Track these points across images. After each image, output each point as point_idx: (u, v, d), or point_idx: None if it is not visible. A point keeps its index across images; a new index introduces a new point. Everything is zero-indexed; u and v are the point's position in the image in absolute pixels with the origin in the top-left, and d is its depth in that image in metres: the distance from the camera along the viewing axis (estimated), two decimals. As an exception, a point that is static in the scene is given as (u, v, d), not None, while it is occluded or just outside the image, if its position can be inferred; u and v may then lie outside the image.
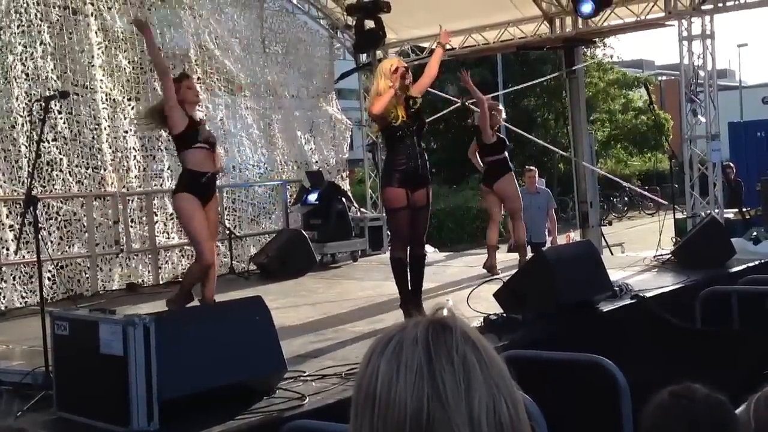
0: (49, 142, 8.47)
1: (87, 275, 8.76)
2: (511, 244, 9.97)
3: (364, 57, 12.23)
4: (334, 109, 12.17)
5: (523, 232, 8.77)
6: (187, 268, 8.40)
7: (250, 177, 10.84)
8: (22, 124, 8.31)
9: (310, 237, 9.74)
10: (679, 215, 10.20)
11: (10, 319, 7.47)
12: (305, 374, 4.47)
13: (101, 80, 9.03)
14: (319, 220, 10.24)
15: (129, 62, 9.35)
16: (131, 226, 9.24)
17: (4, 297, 8.01)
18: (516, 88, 19.43)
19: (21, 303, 8.09)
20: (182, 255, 9.70)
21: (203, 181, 6.34)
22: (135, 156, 9.41)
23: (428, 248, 7.78)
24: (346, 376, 4.36)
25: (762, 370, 4.91)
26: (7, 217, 8.15)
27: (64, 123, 8.69)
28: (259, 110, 11.02)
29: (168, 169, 9.64)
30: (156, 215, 9.52)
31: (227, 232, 9.65)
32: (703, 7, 9.78)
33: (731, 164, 15.33)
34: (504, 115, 9.24)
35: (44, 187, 8.49)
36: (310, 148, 11.66)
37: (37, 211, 5.09)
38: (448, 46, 7.48)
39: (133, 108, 9.28)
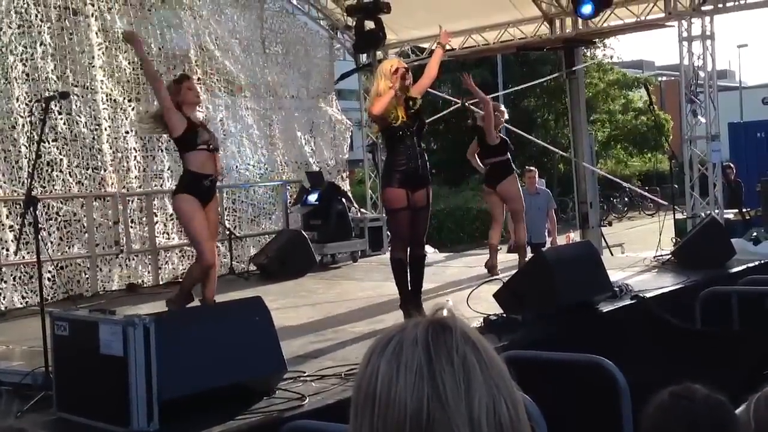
0: (49, 143, 8.47)
1: (87, 276, 8.76)
2: (511, 245, 9.98)
3: (364, 58, 12.23)
4: (334, 109, 12.18)
5: (524, 233, 8.78)
6: (187, 268, 8.40)
7: (250, 177, 10.83)
8: (23, 125, 8.32)
9: (310, 237, 9.74)
10: (679, 216, 10.20)
11: (10, 320, 7.47)
12: (305, 374, 4.47)
13: (101, 81, 9.03)
14: (319, 220, 10.23)
15: (129, 63, 9.35)
16: (131, 227, 9.24)
17: (4, 297, 8.01)
18: (516, 88, 19.44)
19: (21, 303, 8.09)
20: (182, 256, 9.70)
21: (205, 184, 6.33)
22: (135, 156, 9.41)
23: (428, 249, 7.78)
24: (346, 376, 4.36)
25: (762, 371, 4.92)
26: (7, 217, 8.15)
27: (64, 123, 8.70)
28: (260, 111, 11.02)
29: (168, 169, 9.64)
30: (156, 216, 9.51)
31: (227, 232, 9.65)
32: (703, 8, 9.78)
33: (731, 165, 15.33)
34: (506, 116, 9.24)
35: (44, 187, 8.49)
36: (310, 149, 11.66)
37: (37, 212, 5.08)
38: (447, 47, 7.49)
39: (133, 109, 9.28)
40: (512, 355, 4.35)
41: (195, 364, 3.84)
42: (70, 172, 8.74)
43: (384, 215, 10.34)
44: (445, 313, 1.14)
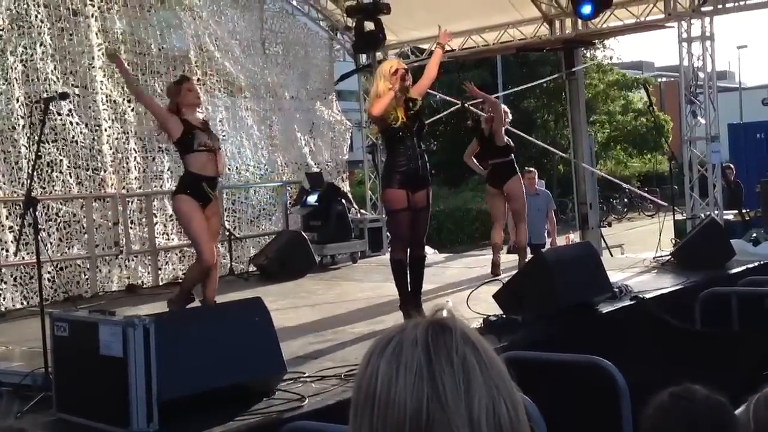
0: (49, 144, 8.47)
1: (86, 276, 8.76)
2: (511, 246, 9.99)
3: (363, 58, 12.24)
4: (334, 110, 12.17)
5: (525, 234, 8.81)
6: (187, 269, 8.40)
7: (250, 178, 10.83)
8: (22, 126, 8.32)
9: (310, 238, 9.74)
10: (678, 216, 10.20)
11: (10, 320, 7.47)
12: (305, 375, 4.48)
13: (101, 82, 9.03)
14: (318, 221, 10.23)
15: (129, 64, 9.34)
16: (131, 228, 9.24)
17: (3, 298, 8.01)
18: (516, 89, 19.45)
19: (21, 304, 8.09)
20: (182, 256, 9.69)
21: (204, 186, 6.33)
22: (135, 157, 9.41)
23: (428, 249, 7.78)
24: (346, 377, 4.36)
25: (761, 371, 4.92)
26: (7, 218, 8.16)
27: (63, 124, 8.69)
28: (259, 112, 11.02)
29: (168, 170, 9.65)
30: (156, 216, 9.51)
31: (227, 233, 9.64)
32: (702, 9, 9.78)
33: (731, 165, 15.34)
34: (510, 117, 9.27)
35: (44, 188, 8.49)
36: (310, 150, 11.66)
37: (37, 213, 5.09)
38: (447, 47, 7.49)
39: (133, 110, 9.28)
40: (512, 355, 4.35)
41: (195, 364, 3.85)
42: (69, 173, 8.74)
43: (384, 216, 10.35)
44: (444, 313, 1.14)
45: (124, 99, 9.26)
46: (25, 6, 8.47)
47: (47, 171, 8.55)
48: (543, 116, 29.09)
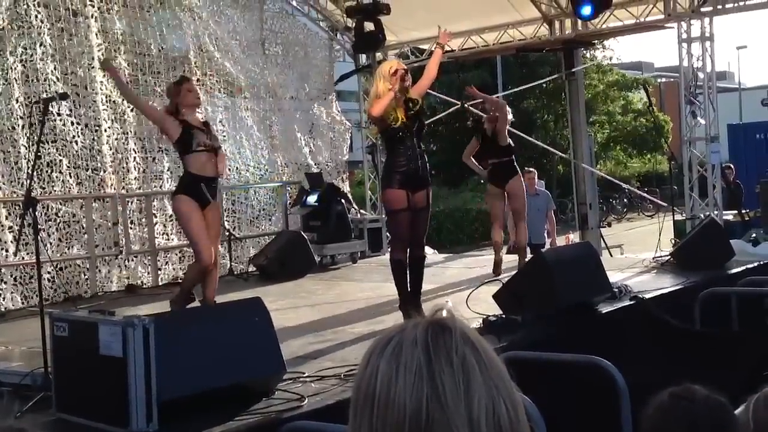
0: (48, 144, 8.47)
1: (86, 276, 8.76)
2: (511, 246, 9.99)
3: (363, 59, 12.24)
4: (334, 110, 12.18)
5: (525, 234, 8.82)
6: (186, 269, 8.40)
7: (250, 179, 10.84)
8: (22, 126, 8.32)
9: (310, 239, 9.75)
10: (678, 217, 10.21)
11: (10, 320, 7.47)
12: (304, 375, 4.48)
13: (101, 82, 9.03)
14: (318, 221, 10.23)
15: (129, 64, 9.36)
16: (130, 228, 9.24)
17: (3, 298, 8.01)
18: (515, 90, 19.44)
19: (20, 304, 8.09)
20: (182, 256, 9.69)
21: (202, 187, 6.33)
22: (135, 158, 9.41)
23: (427, 250, 7.79)
24: (345, 377, 4.36)
25: (761, 371, 4.91)
26: (7, 218, 8.16)
27: (63, 124, 8.69)
28: (259, 112, 11.02)
29: (168, 170, 9.65)
30: (155, 217, 9.51)
31: (227, 233, 9.64)
32: (702, 9, 9.79)
33: (731, 166, 15.34)
34: (511, 117, 9.29)
35: (44, 188, 8.49)
36: (310, 150, 11.66)
37: (37, 213, 5.09)
38: (447, 48, 7.49)
39: (132, 110, 9.27)
40: (512, 355, 4.35)
41: (194, 364, 3.84)
42: (69, 173, 8.74)
43: (383, 216, 10.35)
44: (444, 313, 1.14)
45: (123, 99, 9.26)
46: (25, 6, 8.47)
47: (47, 171, 8.55)
48: (543, 117, 29.09)
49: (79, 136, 8.83)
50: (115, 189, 9.12)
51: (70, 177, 8.76)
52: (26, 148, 8.27)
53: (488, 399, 1.06)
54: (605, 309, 6.09)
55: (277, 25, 11.49)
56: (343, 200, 10.64)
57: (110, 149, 9.13)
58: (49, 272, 7.97)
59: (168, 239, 9.63)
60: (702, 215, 9.55)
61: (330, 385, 4.30)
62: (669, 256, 8.28)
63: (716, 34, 9.88)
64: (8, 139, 8.26)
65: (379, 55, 11.80)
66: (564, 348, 4.84)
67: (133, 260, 9.31)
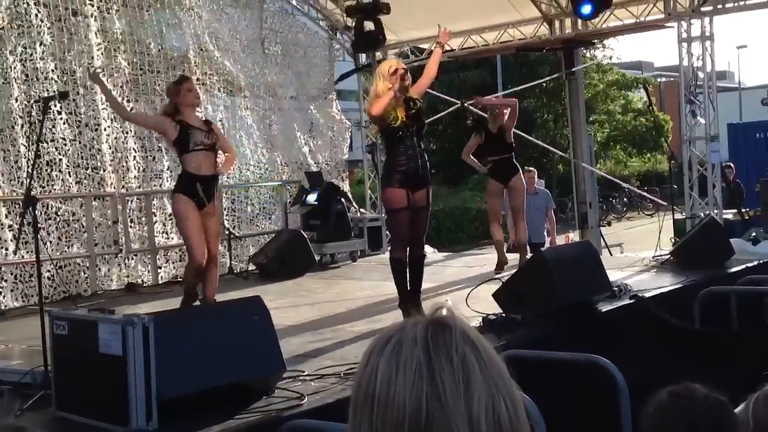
0: (48, 143, 8.47)
1: (86, 275, 8.76)
2: (511, 244, 10.01)
3: (363, 58, 12.23)
4: (334, 110, 12.17)
5: (525, 231, 8.84)
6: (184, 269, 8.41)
7: (250, 177, 10.84)
8: (22, 125, 8.31)
9: (309, 237, 9.74)
10: (678, 216, 10.21)
11: (9, 319, 7.47)
12: (304, 374, 4.48)
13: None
14: (318, 220, 10.24)
15: (128, 63, 9.36)
16: (130, 227, 9.24)
17: (3, 296, 8.01)
18: (515, 89, 19.42)
19: (20, 303, 8.09)
20: (182, 255, 9.68)
21: (198, 186, 6.34)
22: (134, 156, 9.41)
23: (427, 248, 7.79)
24: (345, 375, 4.36)
25: (761, 370, 4.91)
26: (7, 217, 8.16)
27: (63, 123, 8.69)
28: (259, 111, 11.02)
29: (167, 169, 9.64)
30: (155, 215, 9.51)
31: (227, 232, 9.64)
32: (702, 9, 9.78)
33: (731, 165, 15.34)
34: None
35: (43, 187, 8.49)
36: (310, 149, 11.66)
37: (36, 212, 5.09)
38: (447, 47, 7.50)
39: (132, 109, 9.28)
40: (511, 354, 4.35)
41: (194, 363, 3.84)
42: (69, 172, 8.74)
43: (383, 215, 10.36)
44: (444, 312, 1.14)
45: (123, 99, 9.25)
46: (25, 5, 8.46)
47: (46, 170, 8.55)
48: (543, 116, 29.07)
49: (79, 135, 8.82)
50: (114, 188, 9.12)
51: (70, 176, 8.76)
52: (26, 147, 8.27)
53: (488, 397, 1.06)
54: (605, 308, 6.09)
55: (277, 24, 11.48)
56: (342, 199, 10.64)
57: (110, 148, 9.12)
58: (48, 271, 7.96)
59: (168, 238, 9.63)
60: (702, 214, 9.55)
61: (330, 383, 4.30)
62: (669, 255, 8.28)
63: (716, 33, 9.88)
64: (8, 138, 8.26)
65: (378, 54, 11.80)
66: (564, 347, 4.84)
67: (132, 259, 9.31)
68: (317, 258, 9.84)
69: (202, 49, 10.21)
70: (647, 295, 6.44)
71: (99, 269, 8.93)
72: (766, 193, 11.56)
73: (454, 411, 1.04)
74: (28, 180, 5.31)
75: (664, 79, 47.47)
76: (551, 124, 28.93)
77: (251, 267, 9.84)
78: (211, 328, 4.06)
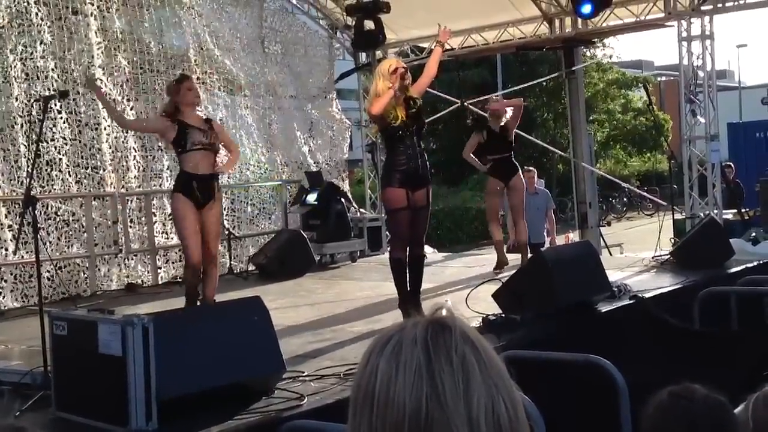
0: (48, 142, 8.47)
1: (86, 275, 8.75)
2: (512, 244, 10.02)
3: (363, 57, 12.23)
4: (334, 109, 12.17)
5: (525, 230, 8.86)
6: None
7: (250, 177, 10.83)
8: (22, 124, 8.31)
9: (309, 237, 9.74)
10: (678, 216, 10.21)
11: (9, 319, 7.47)
12: (304, 374, 4.48)
13: (101, 80, 9.02)
14: (318, 220, 10.23)
15: (128, 62, 9.35)
16: (130, 227, 9.24)
17: (3, 297, 8.01)
18: (515, 88, 19.42)
19: (20, 303, 8.09)
20: (181, 255, 9.67)
21: (194, 186, 6.34)
22: (134, 156, 9.41)
23: (427, 248, 7.79)
24: (345, 376, 4.36)
25: (761, 371, 4.91)
26: (6, 217, 8.15)
27: (63, 123, 8.69)
28: (259, 110, 11.02)
29: (167, 169, 9.64)
30: (155, 215, 9.51)
31: (226, 232, 9.64)
32: (702, 8, 9.78)
33: (731, 164, 15.34)
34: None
35: (43, 187, 8.49)
36: (310, 149, 11.66)
37: (36, 212, 5.08)
38: (447, 46, 7.50)
39: (132, 108, 9.28)
40: (511, 354, 4.35)
41: (194, 363, 3.84)
42: (69, 172, 8.74)
43: (383, 215, 10.35)
44: (444, 312, 1.14)
45: (123, 98, 9.26)
46: (25, 4, 8.46)
47: (46, 170, 8.55)
48: (543, 115, 29.07)
49: (79, 135, 8.82)
50: (114, 187, 9.12)
51: (70, 175, 8.76)
52: (26, 147, 8.27)
53: (488, 398, 1.06)
54: (605, 308, 6.09)
55: (277, 23, 11.48)
56: (342, 199, 10.64)
57: (110, 148, 9.12)
58: (48, 271, 7.96)
59: (168, 238, 9.62)
60: (702, 214, 9.55)
61: (329, 384, 4.30)
62: (668, 255, 8.28)
63: (716, 32, 9.88)
64: (8, 137, 8.26)
65: (378, 53, 11.80)
66: (563, 347, 4.84)
67: (132, 259, 9.31)
68: (317, 258, 9.83)
69: (202, 48, 10.21)
70: (647, 295, 6.44)
71: (99, 269, 8.93)
72: (766, 193, 11.56)
73: (453, 411, 1.04)
74: (27, 180, 5.31)
75: (664, 78, 47.46)
76: (551, 124, 28.93)
77: (251, 267, 9.84)
78: (210, 328, 4.06)
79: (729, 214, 11.79)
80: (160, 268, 9.48)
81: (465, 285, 7.57)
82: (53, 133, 8.60)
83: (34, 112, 8.28)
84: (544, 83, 23.50)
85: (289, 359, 4.54)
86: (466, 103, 12.36)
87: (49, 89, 8.33)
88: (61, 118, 8.66)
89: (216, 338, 3.99)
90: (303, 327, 6.14)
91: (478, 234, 20.43)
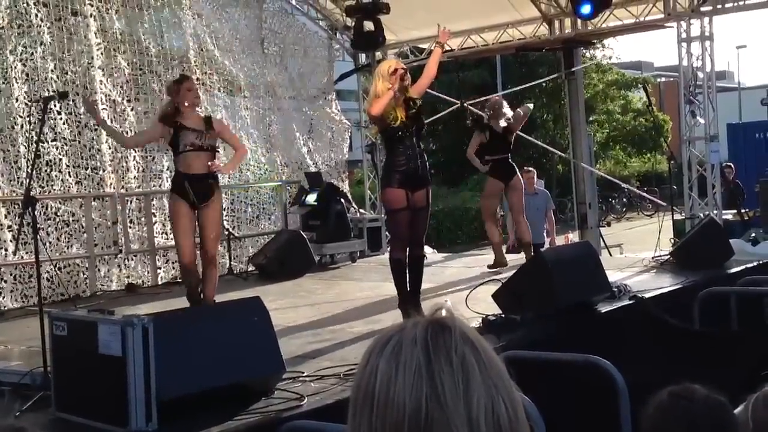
0: (48, 143, 8.47)
1: (85, 276, 8.75)
2: (511, 245, 10.02)
3: (363, 58, 12.23)
4: (334, 110, 12.17)
5: (527, 230, 8.87)
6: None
7: (250, 178, 10.83)
8: (22, 125, 8.31)
9: (309, 238, 9.74)
10: (677, 216, 10.21)
11: (9, 320, 7.47)
12: (304, 375, 4.48)
13: (101, 81, 9.03)
14: (317, 221, 10.23)
15: (128, 63, 9.35)
16: (130, 227, 9.23)
17: (3, 297, 8.00)
18: (515, 89, 19.43)
19: (20, 303, 8.09)
20: (181, 255, 9.68)
21: (186, 184, 6.36)
22: (134, 156, 9.41)
23: (427, 249, 7.80)
24: (345, 376, 4.36)
25: (760, 371, 4.91)
26: (6, 217, 8.15)
27: (63, 123, 8.69)
28: (259, 111, 11.02)
29: (167, 169, 9.63)
30: (155, 216, 9.51)
31: (226, 232, 9.63)
32: (702, 9, 9.78)
33: (730, 165, 15.34)
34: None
35: (43, 187, 8.49)
36: (309, 149, 11.66)
37: (36, 212, 5.08)
38: (446, 47, 7.51)
39: (132, 109, 9.28)
40: (511, 355, 4.35)
41: (194, 364, 3.84)
42: (69, 172, 8.74)
43: (383, 216, 10.35)
44: (444, 313, 1.14)
45: (123, 98, 9.26)
46: (25, 5, 8.46)
47: (46, 170, 8.54)
48: (542, 116, 29.05)
49: (78, 135, 8.82)
50: (114, 188, 9.12)
51: (70, 176, 8.75)
52: (26, 147, 8.26)
53: (487, 398, 1.06)
54: (604, 308, 6.09)
55: (277, 24, 11.48)
56: (342, 199, 10.64)
57: (109, 148, 9.12)
58: (48, 271, 7.96)
59: (167, 238, 9.60)
60: (701, 215, 9.55)
61: (329, 384, 4.30)
62: (668, 256, 8.28)
63: (716, 33, 9.88)
64: (8, 138, 8.26)
65: (378, 54, 11.80)
66: (563, 347, 4.84)
67: (132, 259, 9.31)
68: (317, 258, 9.83)
69: (202, 49, 10.21)
70: (647, 295, 6.44)
71: (98, 270, 8.93)
72: (766, 194, 11.56)
73: (453, 412, 1.04)
74: (27, 180, 5.31)
75: (663, 79, 47.49)
76: (551, 125, 28.92)
77: (251, 268, 9.84)
78: (210, 328, 4.06)
79: (729, 215, 11.79)
80: (160, 268, 9.47)
81: (465, 285, 7.57)
82: (54, 133, 8.60)
83: (34, 113, 8.28)
84: (544, 84, 23.50)
85: (289, 360, 4.54)
86: (465, 104, 12.36)
87: (49, 90, 8.32)
88: (61, 119, 8.66)
89: (216, 339, 3.99)
90: (303, 327, 6.14)
91: (478, 234, 20.42)
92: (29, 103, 8.25)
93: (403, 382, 1.06)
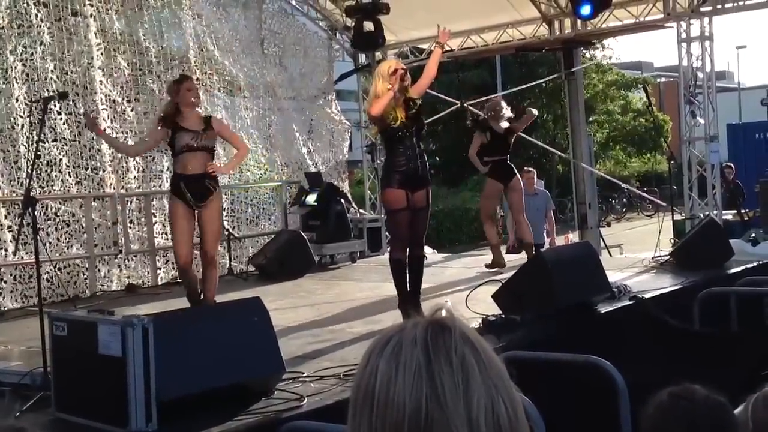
0: (48, 143, 8.47)
1: (85, 276, 8.75)
2: (511, 245, 10.02)
3: (363, 58, 12.23)
4: (334, 110, 12.17)
5: (528, 230, 8.88)
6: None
7: (250, 178, 10.83)
8: (22, 125, 8.31)
9: (309, 238, 9.74)
10: (677, 216, 10.21)
11: (9, 320, 7.46)
12: (303, 375, 4.48)
13: (100, 81, 9.02)
14: (317, 221, 10.23)
15: (128, 64, 9.35)
16: (130, 227, 9.23)
17: (3, 297, 8.00)
18: (515, 89, 19.44)
19: (20, 304, 8.09)
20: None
21: (182, 186, 6.37)
22: (134, 157, 9.40)
23: (427, 249, 7.80)
24: (345, 377, 4.36)
25: (760, 371, 4.92)
26: (6, 217, 8.15)
27: (63, 124, 8.69)
28: (258, 111, 11.02)
29: (167, 170, 9.63)
30: (154, 216, 9.51)
31: (226, 233, 9.63)
32: (702, 9, 9.78)
33: (730, 165, 15.34)
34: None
35: (43, 188, 8.49)
36: (309, 150, 11.66)
37: (36, 212, 5.09)
38: (446, 47, 7.52)
39: (132, 109, 9.27)
40: (511, 355, 4.35)
41: (194, 364, 3.84)
42: (69, 173, 8.74)
43: (383, 216, 10.35)
44: (444, 313, 1.14)
45: (123, 99, 9.26)
46: (25, 5, 8.46)
47: (46, 170, 8.54)
48: (542, 116, 29.05)
49: (78, 136, 8.82)
50: (114, 188, 9.12)
51: (70, 176, 8.75)
52: (26, 148, 8.26)
53: (487, 399, 1.06)
54: (604, 309, 6.09)
55: (276, 24, 11.48)
56: (342, 200, 10.64)
57: (109, 149, 9.10)
58: (48, 272, 7.96)
59: (167, 239, 9.59)
60: (701, 215, 9.55)
61: (329, 384, 4.30)
62: (668, 256, 8.28)
63: (716, 33, 9.88)
64: (8, 138, 8.25)
65: (378, 54, 11.80)
66: (563, 348, 4.84)
67: (132, 260, 9.31)
68: (317, 259, 9.83)
69: (201, 49, 10.20)
70: (647, 296, 6.44)
71: (98, 270, 8.93)
72: (766, 194, 11.56)
73: (453, 412, 1.04)
74: (27, 180, 5.32)
75: (663, 80, 47.49)
76: (551, 125, 28.94)
77: (251, 268, 9.83)
78: (210, 329, 4.06)
79: (729, 215, 11.79)
80: (160, 268, 9.47)
81: (465, 285, 7.57)
82: (54, 134, 8.60)
83: (34, 113, 8.27)
84: (544, 84, 23.51)
85: (289, 360, 4.54)
86: (465, 104, 12.36)
87: (48, 90, 8.32)
88: (61, 119, 8.66)
89: (216, 339, 3.99)
90: (303, 328, 6.13)
91: (478, 235, 20.40)
92: (29, 104, 8.25)
93: (403, 382, 1.06)
